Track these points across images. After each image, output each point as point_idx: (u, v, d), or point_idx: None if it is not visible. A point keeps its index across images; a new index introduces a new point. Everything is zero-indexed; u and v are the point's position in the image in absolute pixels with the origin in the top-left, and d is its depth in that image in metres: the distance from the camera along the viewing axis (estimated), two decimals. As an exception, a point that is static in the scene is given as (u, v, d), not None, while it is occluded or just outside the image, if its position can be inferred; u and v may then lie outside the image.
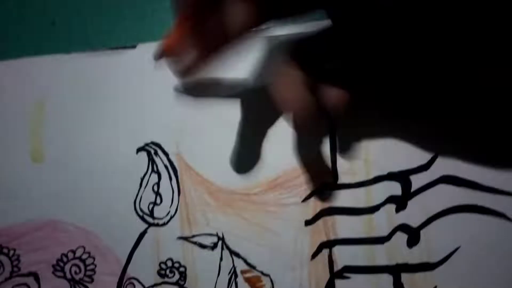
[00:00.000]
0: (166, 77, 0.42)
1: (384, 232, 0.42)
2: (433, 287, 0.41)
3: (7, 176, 0.46)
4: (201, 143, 0.45)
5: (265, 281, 0.43)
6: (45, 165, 0.47)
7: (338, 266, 0.43)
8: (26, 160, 0.47)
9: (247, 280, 0.43)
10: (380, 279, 0.42)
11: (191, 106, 0.46)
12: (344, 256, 0.43)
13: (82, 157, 0.46)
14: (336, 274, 0.43)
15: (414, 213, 0.42)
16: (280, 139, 0.43)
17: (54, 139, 0.47)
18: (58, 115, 0.47)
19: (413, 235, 0.41)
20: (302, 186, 0.44)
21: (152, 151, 0.46)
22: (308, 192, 0.44)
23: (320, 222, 0.43)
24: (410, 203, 0.42)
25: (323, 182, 0.43)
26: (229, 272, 0.43)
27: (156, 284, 0.44)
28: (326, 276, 0.43)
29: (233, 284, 0.43)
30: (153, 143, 0.46)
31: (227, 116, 0.45)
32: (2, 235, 0.46)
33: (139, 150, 0.46)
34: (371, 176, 0.42)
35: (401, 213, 0.42)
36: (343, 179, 0.43)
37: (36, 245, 0.46)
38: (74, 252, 0.45)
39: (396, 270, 0.42)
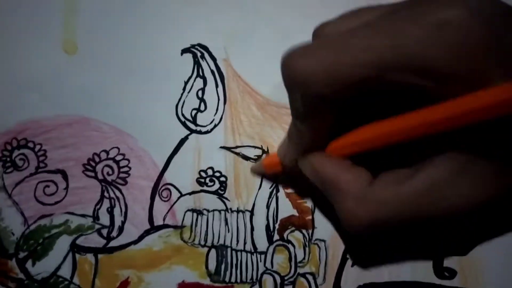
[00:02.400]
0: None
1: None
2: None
3: (38, 66, 0.42)
4: (251, 50, 0.43)
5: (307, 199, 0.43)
6: (78, 57, 0.43)
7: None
8: (58, 50, 0.43)
9: (288, 195, 0.43)
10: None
11: (242, 9, 0.42)
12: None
13: (120, 52, 0.43)
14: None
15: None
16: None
17: (90, 30, 0.43)
18: (95, 2, 0.43)
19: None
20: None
21: (199, 54, 0.43)
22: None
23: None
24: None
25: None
26: (271, 186, 0.42)
27: (194, 192, 0.42)
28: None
29: (274, 198, 0.43)
30: (200, 45, 0.43)
31: (281, 21, 0.42)
32: (28, 128, 0.43)
33: (184, 51, 0.43)
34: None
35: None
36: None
37: (66, 141, 0.43)
38: (107, 152, 0.43)
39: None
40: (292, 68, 0.24)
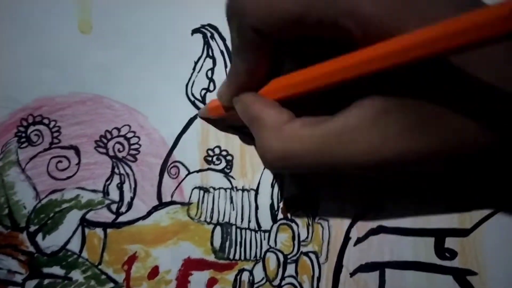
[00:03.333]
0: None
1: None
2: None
3: (53, 45, 0.44)
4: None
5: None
6: (93, 37, 0.44)
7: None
8: (73, 30, 0.44)
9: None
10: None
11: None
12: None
13: (132, 31, 0.44)
14: (385, 179, 0.43)
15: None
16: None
17: (104, 10, 0.44)
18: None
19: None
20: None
21: (208, 34, 0.44)
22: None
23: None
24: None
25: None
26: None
27: (201, 170, 0.43)
28: (374, 180, 0.43)
29: (279, 180, 0.43)
30: (210, 25, 0.44)
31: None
32: (44, 105, 0.44)
33: (194, 31, 0.44)
34: None
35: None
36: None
37: (79, 118, 0.44)
38: (118, 129, 0.44)
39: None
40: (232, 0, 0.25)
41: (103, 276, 0.43)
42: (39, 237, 0.43)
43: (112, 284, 0.42)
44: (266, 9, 0.23)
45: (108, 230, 0.43)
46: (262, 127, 0.26)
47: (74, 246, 0.43)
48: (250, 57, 0.26)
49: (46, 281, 0.43)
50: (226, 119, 0.37)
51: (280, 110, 0.26)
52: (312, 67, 0.25)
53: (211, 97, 0.44)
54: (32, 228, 0.43)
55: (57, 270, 0.43)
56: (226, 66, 0.44)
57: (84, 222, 0.43)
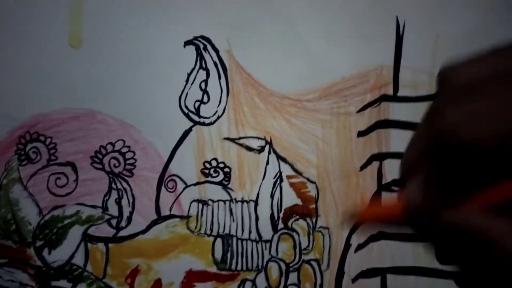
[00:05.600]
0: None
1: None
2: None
3: (44, 61, 0.43)
4: (254, 41, 0.43)
5: (311, 188, 0.43)
6: (83, 51, 0.43)
7: (386, 179, 0.42)
8: (64, 44, 0.43)
9: (292, 185, 0.43)
10: (429, 195, 0.42)
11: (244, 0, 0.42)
12: (394, 169, 0.42)
13: (124, 45, 0.43)
14: (384, 186, 0.42)
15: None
16: (341, 42, 0.41)
17: (94, 24, 0.43)
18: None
19: None
20: (359, 95, 0.42)
21: (201, 46, 0.43)
22: (365, 102, 0.42)
23: (373, 134, 0.42)
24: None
25: (382, 93, 0.41)
26: (275, 177, 0.43)
27: (199, 183, 0.43)
28: (373, 187, 0.42)
29: (278, 188, 0.43)
30: (202, 37, 0.43)
31: (285, 11, 0.42)
32: (39, 122, 0.44)
33: (187, 43, 0.43)
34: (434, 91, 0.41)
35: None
36: (403, 91, 0.41)
37: (74, 135, 0.44)
38: (113, 145, 0.44)
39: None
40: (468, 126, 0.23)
41: (108, 289, 0.44)
42: (45, 252, 0.44)
43: (117, 297, 0.43)
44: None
45: (110, 245, 0.44)
46: (503, 243, 0.24)
47: (79, 260, 0.44)
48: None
49: (54, 294, 0.44)
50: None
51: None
52: None
53: (205, 109, 0.43)
54: (38, 243, 0.44)
55: (64, 283, 0.44)
56: (219, 77, 0.43)
57: (87, 237, 0.44)
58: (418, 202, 0.27)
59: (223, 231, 0.43)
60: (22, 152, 0.44)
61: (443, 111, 0.24)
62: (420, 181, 0.27)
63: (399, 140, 0.39)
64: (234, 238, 0.43)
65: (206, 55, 0.43)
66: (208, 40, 0.42)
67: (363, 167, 0.41)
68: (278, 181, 0.43)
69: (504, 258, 0.23)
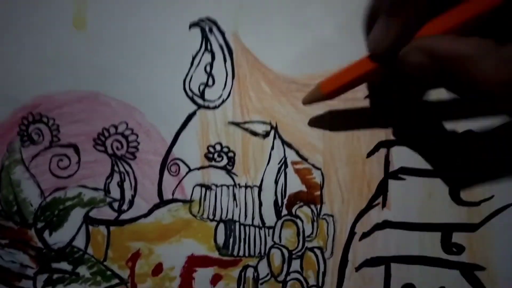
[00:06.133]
0: None
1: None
2: (490, 197, 0.41)
3: (48, 41, 0.43)
4: (261, 23, 0.42)
5: (316, 174, 0.42)
6: (87, 32, 0.43)
7: (394, 166, 0.42)
8: (68, 25, 0.43)
9: (297, 171, 0.42)
10: (436, 184, 0.41)
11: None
12: (401, 157, 0.41)
13: (129, 26, 0.42)
14: (391, 174, 0.42)
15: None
16: (352, 27, 0.40)
17: (99, 5, 0.42)
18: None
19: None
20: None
21: (207, 28, 0.42)
22: (373, 89, 0.41)
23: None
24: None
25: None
26: (279, 162, 0.42)
27: (202, 167, 0.43)
28: (380, 175, 0.42)
29: (282, 173, 0.42)
30: (208, 19, 0.42)
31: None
32: (42, 103, 0.43)
33: (192, 25, 0.42)
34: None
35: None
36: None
37: (77, 116, 0.43)
38: (116, 127, 0.43)
39: (455, 179, 0.41)
40: None
41: (109, 272, 0.43)
42: (46, 234, 0.44)
43: (117, 280, 0.43)
44: None
45: (111, 228, 0.43)
46: (471, 61, 0.24)
47: (79, 243, 0.43)
48: None
49: (55, 276, 0.44)
50: (370, 103, 0.35)
51: (479, 39, 0.25)
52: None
53: (210, 92, 0.42)
54: (39, 224, 0.44)
55: (64, 265, 0.44)
56: (225, 61, 0.42)
57: (88, 220, 0.43)
58: (380, 41, 0.28)
59: (226, 216, 0.42)
60: (25, 134, 0.43)
61: None
62: (382, 24, 0.28)
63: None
64: (237, 224, 0.42)
65: (211, 37, 0.42)
66: (214, 22, 0.42)
67: (370, 153, 0.40)
68: (283, 167, 0.42)
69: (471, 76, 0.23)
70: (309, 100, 0.35)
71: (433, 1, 0.27)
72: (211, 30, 0.42)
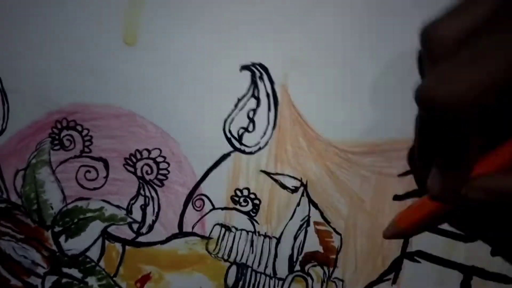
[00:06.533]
0: None
1: (472, 234, 0.41)
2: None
3: (96, 53, 0.42)
4: (312, 81, 0.41)
5: (335, 238, 0.43)
6: (137, 50, 0.42)
7: (412, 247, 0.42)
8: (117, 39, 0.42)
9: (318, 231, 0.43)
10: (450, 274, 0.42)
11: (310, 34, 0.40)
12: (421, 240, 0.42)
13: (179, 53, 0.42)
14: (407, 254, 0.42)
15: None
16: (402, 104, 0.39)
17: (153, 24, 0.42)
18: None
19: (500, 246, 0.40)
20: (404, 160, 0.41)
21: (257, 74, 0.42)
22: (408, 168, 0.41)
23: (409, 201, 0.42)
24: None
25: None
26: (302, 219, 0.43)
27: (226, 208, 0.43)
28: (397, 253, 0.42)
29: (303, 231, 0.43)
30: (261, 65, 0.41)
31: (350, 58, 0.40)
32: (78, 111, 0.43)
33: (243, 68, 0.42)
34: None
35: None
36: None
37: (112, 132, 0.43)
38: (149, 151, 0.43)
39: (469, 271, 0.41)
40: (443, 92, 0.23)
41: (117, 288, 0.44)
42: (62, 238, 0.45)
43: (124, 297, 0.44)
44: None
45: (127, 247, 0.44)
46: None
47: (93, 254, 0.44)
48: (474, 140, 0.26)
49: (64, 280, 0.45)
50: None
51: None
52: None
53: (248, 138, 0.42)
54: (57, 228, 0.44)
55: (75, 272, 0.45)
56: (269, 110, 0.42)
57: (105, 234, 0.44)
58: (439, 189, 0.29)
59: (240, 259, 0.43)
60: (56, 137, 0.44)
61: (423, 76, 0.24)
62: (438, 175, 0.29)
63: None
64: (249, 269, 0.43)
65: (260, 84, 0.41)
66: (266, 69, 0.41)
67: (392, 230, 0.40)
68: (305, 224, 0.42)
69: None
70: (391, 235, 0.35)
71: (487, 144, 0.27)
72: (261, 77, 0.41)
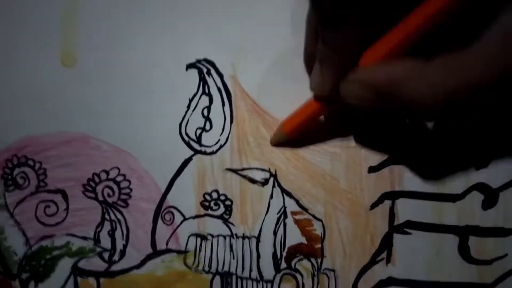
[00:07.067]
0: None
1: (458, 190, 0.39)
2: (504, 255, 0.39)
3: (34, 79, 0.40)
4: (261, 66, 0.40)
5: (316, 225, 0.40)
6: (77, 71, 0.40)
7: (399, 219, 0.40)
8: (55, 63, 0.40)
9: (297, 222, 0.40)
10: (444, 240, 0.39)
11: (252, 22, 0.39)
12: (407, 210, 0.39)
13: (121, 65, 0.40)
14: (396, 228, 0.40)
15: (496, 173, 0.38)
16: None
17: (89, 42, 0.40)
18: (93, 11, 0.40)
19: (491, 197, 0.38)
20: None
21: (204, 70, 0.40)
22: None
23: (385, 171, 0.39)
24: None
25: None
26: (279, 212, 0.40)
27: (198, 216, 0.40)
28: (385, 228, 0.40)
29: (281, 224, 0.40)
30: (206, 60, 0.40)
31: (295, 37, 0.39)
32: (27, 145, 0.41)
33: (189, 66, 0.40)
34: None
35: (482, 170, 0.38)
36: (420, 127, 0.38)
37: (65, 160, 0.41)
38: (107, 172, 0.41)
39: (464, 232, 0.39)
40: None
41: (99, 326, 0.41)
42: (31, 285, 0.41)
43: (107, 335, 0.40)
44: None
45: (101, 279, 0.41)
46: (405, 87, 0.23)
47: (67, 295, 0.41)
48: (347, 26, 0.25)
49: (40, 329, 0.41)
50: (325, 119, 0.33)
51: (408, 61, 0.24)
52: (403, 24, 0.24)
53: (207, 137, 0.40)
54: (24, 275, 0.41)
55: (51, 319, 0.41)
56: (223, 104, 0.40)
57: (76, 271, 0.41)
58: (319, 85, 0.27)
59: (222, 268, 0.40)
60: (9, 177, 0.41)
61: None
62: (317, 70, 0.27)
63: (414, 178, 0.36)
64: (234, 277, 0.40)
65: (209, 80, 0.40)
66: (212, 63, 0.39)
67: (373, 205, 0.38)
68: (282, 217, 0.40)
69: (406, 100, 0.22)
70: (276, 141, 0.34)
71: (366, 35, 0.26)
72: (208, 72, 0.39)
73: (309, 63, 0.31)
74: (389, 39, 0.26)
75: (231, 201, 0.40)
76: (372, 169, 0.39)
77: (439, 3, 0.22)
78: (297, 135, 0.33)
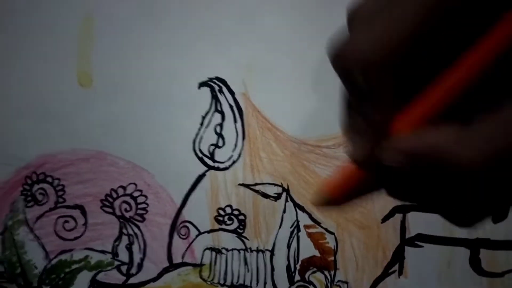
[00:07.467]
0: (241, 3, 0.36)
1: (468, 204, 0.39)
2: (514, 268, 0.39)
3: (52, 99, 0.41)
4: (272, 83, 0.40)
5: (329, 238, 0.41)
6: (93, 90, 0.41)
7: (410, 233, 0.40)
8: (73, 84, 0.41)
9: (310, 235, 0.41)
10: (455, 252, 0.40)
11: (262, 40, 0.40)
12: (418, 223, 0.40)
13: (136, 85, 0.41)
14: (407, 241, 0.40)
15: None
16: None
17: (105, 62, 0.41)
18: (109, 33, 0.41)
19: (501, 210, 0.38)
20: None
21: (216, 88, 0.41)
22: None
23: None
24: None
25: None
26: (292, 226, 0.41)
27: (212, 230, 0.41)
28: (396, 241, 0.40)
29: (295, 237, 0.41)
30: (218, 78, 0.41)
31: (304, 54, 0.40)
32: (46, 162, 0.42)
33: (201, 85, 0.41)
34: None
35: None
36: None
37: (83, 177, 0.42)
38: (124, 188, 0.42)
39: (475, 245, 0.39)
40: (348, 52, 0.24)
41: (117, 338, 0.42)
42: (51, 297, 0.43)
43: None
44: (383, 45, 0.23)
45: (120, 292, 0.42)
46: (447, 153, 0.24)
47: (86, 307, 0.42)
48: (382, 93, 0.25)
49: None
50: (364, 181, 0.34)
51: (445, 128, 0.25)
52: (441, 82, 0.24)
53: (220, 153, 0.41)
54: (44, 288, 0.42)
55: (71, 330, 0.42)
56: (235, 121, 0.41)
57: (95, 284, 0.42)
58: (357, 154, 0.28)
59: (237, 281, 0.41)
60: (29, 193, 0.42)
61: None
62: (350, 135, 0.28)
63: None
64: (249, 289, 0.41)
65: (221, 97, 0.41)
66: (224, 81, 0.40)
67: (385, 219, 0.39)
68: (295, 230, 0.41)
69: (455, 166, 0.23)
70: (317, 202, 0.34)
71: (399, 104, 0.26)
72: (220, 90, 0.40)
73: (344, 130, 0.31)
74: (423, 104, 0.26)
75: (245, 216, 0.41)
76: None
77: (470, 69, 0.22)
78: (345, 200, 0.33)
